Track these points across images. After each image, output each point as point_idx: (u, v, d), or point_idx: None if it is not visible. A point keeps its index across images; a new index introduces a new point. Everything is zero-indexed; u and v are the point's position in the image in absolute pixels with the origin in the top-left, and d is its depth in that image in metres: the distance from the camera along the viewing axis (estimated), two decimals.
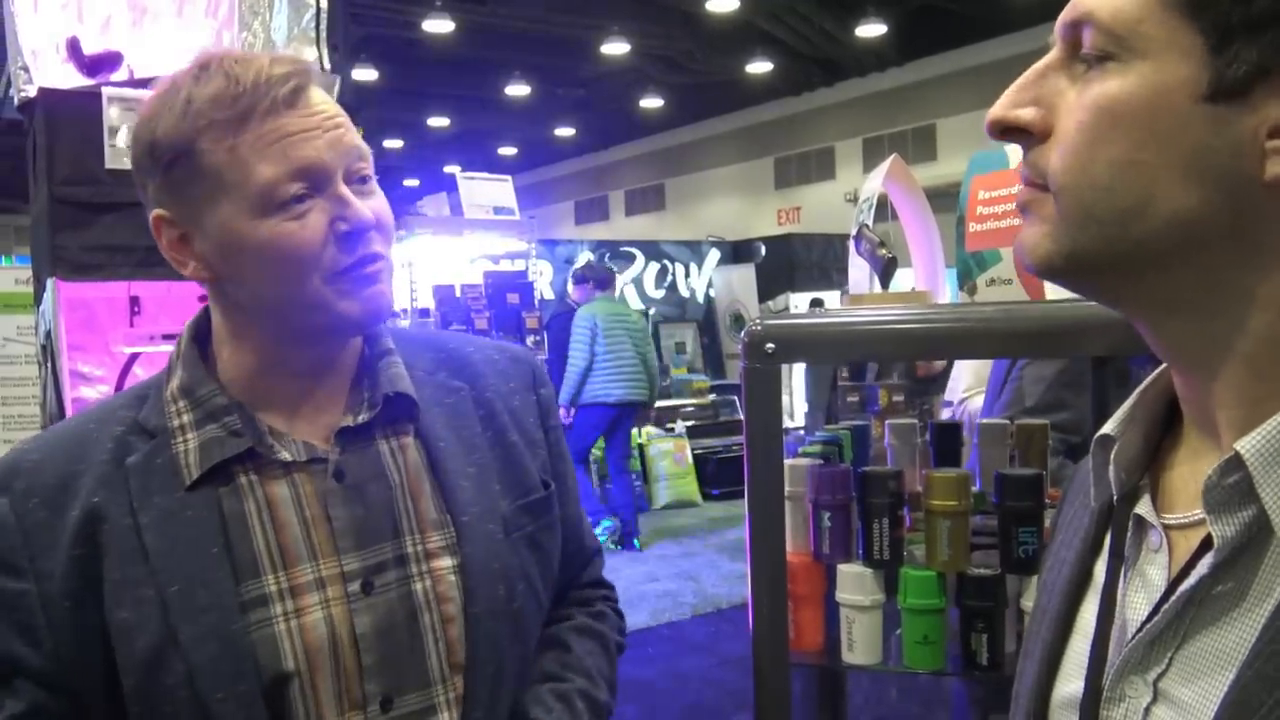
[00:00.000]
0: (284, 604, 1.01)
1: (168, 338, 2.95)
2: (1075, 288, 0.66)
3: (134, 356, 2.98)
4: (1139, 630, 0.64)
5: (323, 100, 1.01)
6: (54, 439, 1.07)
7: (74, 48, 3.07)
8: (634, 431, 8.92)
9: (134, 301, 3.15)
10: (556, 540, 1.20)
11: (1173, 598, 0.61)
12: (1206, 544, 0.60)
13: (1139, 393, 0.70)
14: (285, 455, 1.04)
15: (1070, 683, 0.71)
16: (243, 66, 0.97)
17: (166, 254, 1.04)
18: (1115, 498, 0.70)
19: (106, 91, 2.89)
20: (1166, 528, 0.66)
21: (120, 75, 3.10)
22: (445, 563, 1.07)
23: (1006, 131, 0.65)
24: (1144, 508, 0.67)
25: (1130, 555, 0.68)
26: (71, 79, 3.03)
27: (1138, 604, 0.66)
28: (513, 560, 1.11)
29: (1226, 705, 0.57)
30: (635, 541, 7.37)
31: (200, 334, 1.10)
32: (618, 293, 11.94)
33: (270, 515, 1.03)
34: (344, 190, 0.99)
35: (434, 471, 1.10)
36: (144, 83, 3.01)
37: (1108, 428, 0.70)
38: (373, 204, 1.02)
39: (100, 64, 3.09)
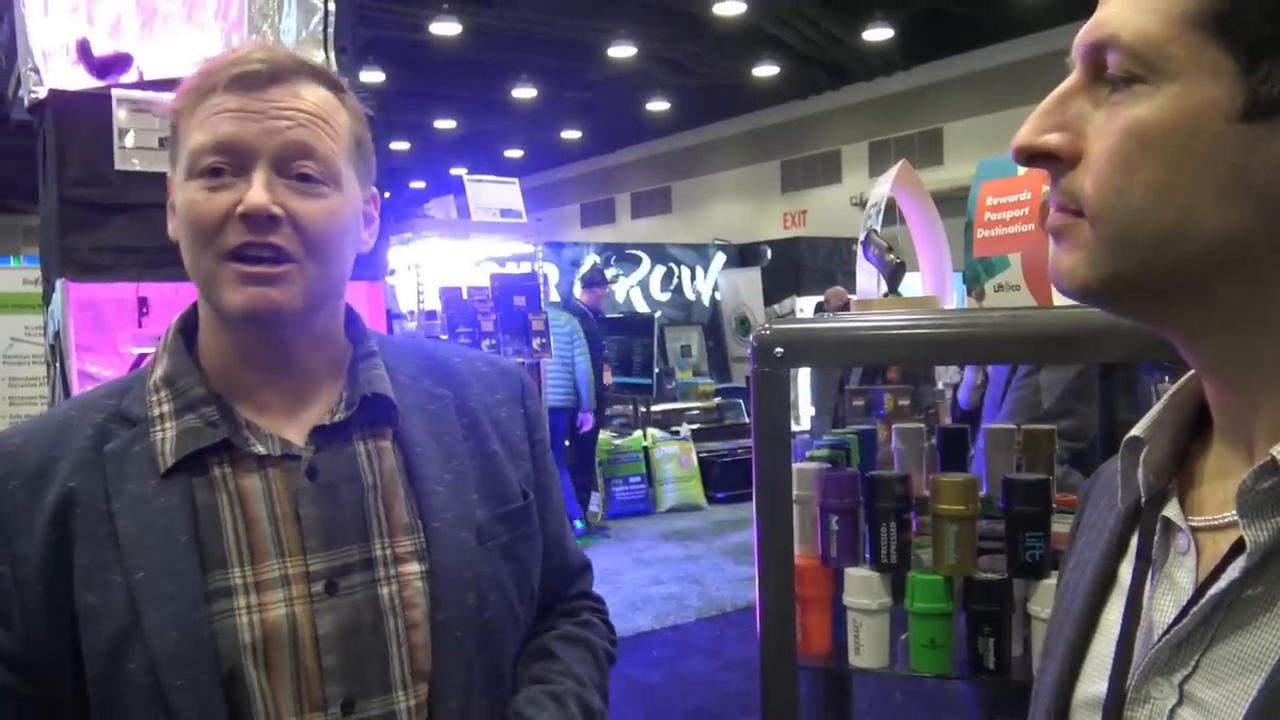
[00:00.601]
0: (248, 597, 1.00)
1: None
2: (1113, 309, 0.65)
3: (141, 357, 2.99)
4: (1166, 632, 0.63)
5: (291, 95, 1.02)
6: (37, 425, 1.08)
7: (84, 50, 3.08)
8: (638, 435, 8.94)
9: (142, 302, 3.16)
10: (535, 552, 1.19)
11: (1202, 600, 0.61)
12: (1236, 548, 0.60)
13: (1169, 396, 0.70)
14: (260, 449, 1.04)
15: (1093, 683, 0.71)
16: (238, 51, 1.03)
17: (169, 212, 1.08)
18: (1143, 500, 0.70)
19: (116, 93, 2.91)
20: (1194, 531, 0.66)
21: (130, 77, 3.11)
22: (413, 568, 1.07)
23: (1034, 158, 0.64)
24: (1172, 510, 0.67)
25: (1157, 558, 0.68)
26: (81, 81, 3.04)
27: (1164, 606, 0.66)
28: (485, 569, 1.10)
29: (1255, 709, 0.57)
30: (579, 523, 7.44)
31: (187, 326, 1.12)
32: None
33: (241, 509, 1.03)
34: (256, 176, 0.99)
35: (409, 476, 1.10)
36: (153, 84, 3.02)
37: (1137, 430, 0.70)
38: (297, 202, 1.01)
39: (110, 66, 3.10)
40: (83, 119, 2.88)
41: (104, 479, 1.01)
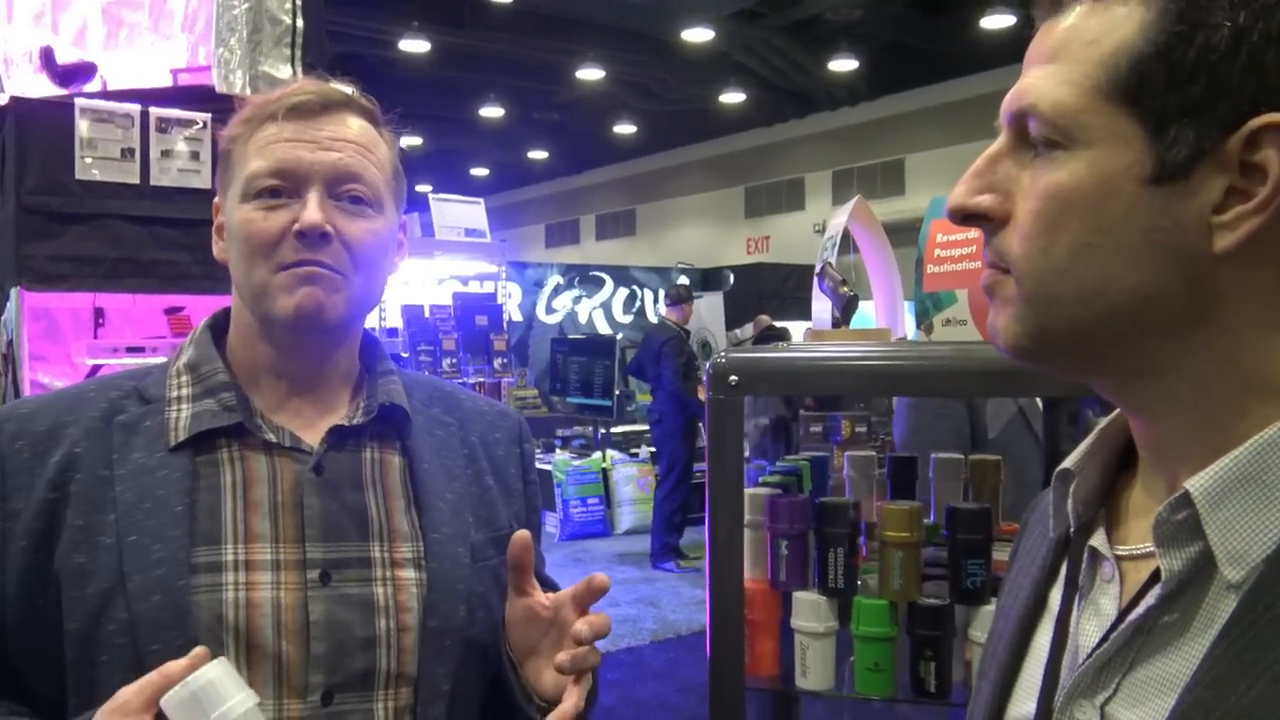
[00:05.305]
0: (236, 574, 1.03)
1: (132, 350, 2.94)
2: (1045, 366, 0.69)
3: (96, 369, 2.96)
4: (1089, 656, 0.67)
5: (340, 125, 1.11)
6: (53, 396, 1.14)
7: (47, 57, 3.07)
8: (597, 456, 8.94)
9: (99, 313, 3.14)
10: None
11: (1122, 626, 0.64)
12: (1156, 576, 0.63)
13: (1098, 430, 0.74)
14: (271, 438, 1.09)
15: (1023, 704, 0.74)
16: (290, 86, 1.12)
17: (215, 234, 1.16)
18: (1072, 529, 0.73)
19: (79, 102, 2.89)
20: (1119, 559, 0.69)
21: (94, 86, 3.10)
22: (409, 574, 1.10)
23: (968, 218, 0.68)
24: (1098, 540, 0.71)
25: (1084, 585, 0.71)
26: (44, 88, 3.02)
27: (1089, 631, 0.69)
28: (476, 587, 1.13)
29: None
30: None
31: (217, 326, 1.18)
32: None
33: (244, 491, 1.07)
34: (311, 197, 1.06)
35: (414, 488, 1.14)
36: (117, 94, 3.01)
37: (1068, 463, 0.73)
38: (346, 222, 1.08)
39: (74, 74, 3.09)
40: (44, 127, 2.86)
41: (109, 447, 1.06)
